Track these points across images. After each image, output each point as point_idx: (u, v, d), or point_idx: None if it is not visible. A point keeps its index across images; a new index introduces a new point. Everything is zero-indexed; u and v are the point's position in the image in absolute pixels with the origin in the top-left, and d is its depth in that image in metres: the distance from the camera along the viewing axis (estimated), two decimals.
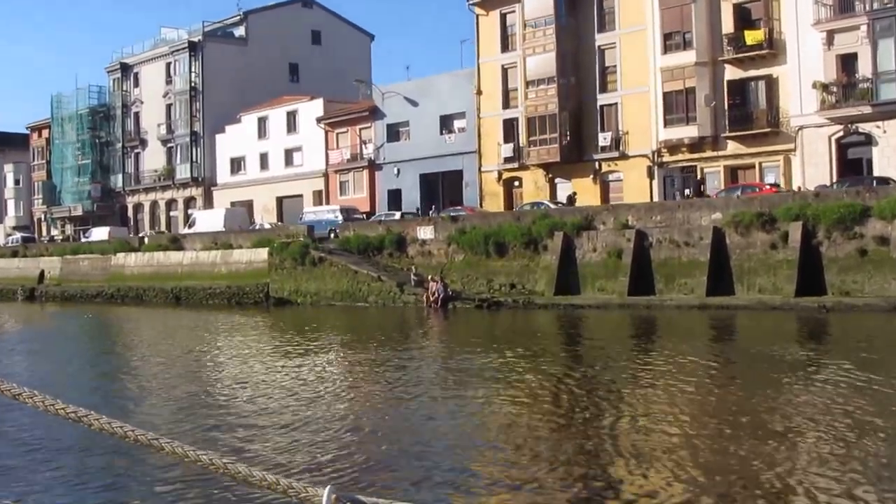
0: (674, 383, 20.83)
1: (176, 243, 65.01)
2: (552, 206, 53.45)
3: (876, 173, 46.06)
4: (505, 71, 61.43)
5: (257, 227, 68.80)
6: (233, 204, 77.18)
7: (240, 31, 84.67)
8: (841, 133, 48.04)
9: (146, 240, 69.49)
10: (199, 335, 38.45)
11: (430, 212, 59.27)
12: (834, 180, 46.91)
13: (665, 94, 53.65)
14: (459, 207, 58.17)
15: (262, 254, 57.25)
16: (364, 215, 64.18)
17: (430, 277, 48.00)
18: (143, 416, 18.87)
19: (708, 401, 19.07)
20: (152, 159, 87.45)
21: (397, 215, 60.47)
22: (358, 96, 74.70)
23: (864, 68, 46.77)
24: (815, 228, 38.49)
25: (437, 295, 46.77)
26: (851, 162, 48.41)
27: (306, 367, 26.27)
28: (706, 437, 15.25)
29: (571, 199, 54.33)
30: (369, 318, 46.07)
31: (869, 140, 47.42)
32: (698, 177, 52.84)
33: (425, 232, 51.52)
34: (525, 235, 46.75)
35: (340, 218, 61.15)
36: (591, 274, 44.46)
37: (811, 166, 48.80)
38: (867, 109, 46.33)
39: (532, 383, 21.86)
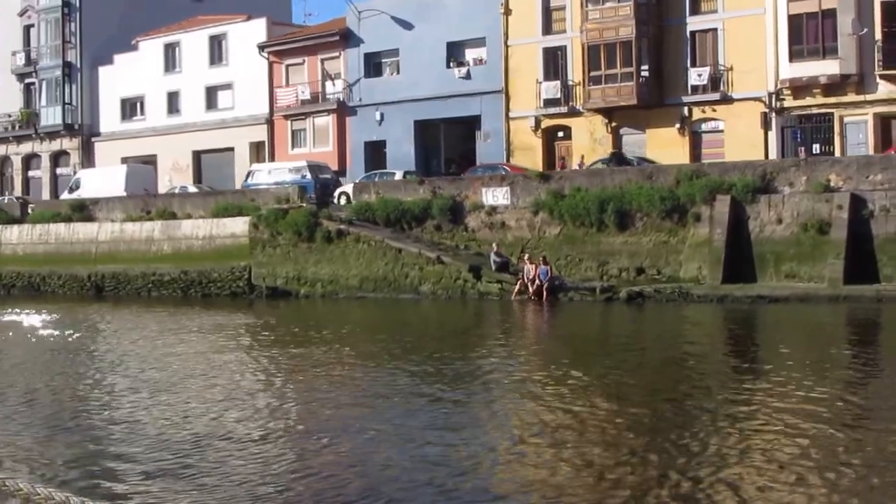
0: None
1: (83, 212, 55.03)
2: (639, 163, 47.00)
3: None
4: None
5: (177, 190, 59.41)
6: (124, 160, 67.07)
7: None
8: None
9: (31, 207, 59.10)
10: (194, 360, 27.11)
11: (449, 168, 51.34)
12: None
13: (792, 18, 47.43)
14: (502, 165, 50.67)
15: (232, 226, 48.55)
16: (333, 175, 55.99)
17: (526, 258, 40.46)
18: None
19: None
20: (3, 100, 75.77)
21: (398, 174, 52.69)
22: (301, 19, 66.06)
23: None
24: None
25: (537, 282, 39.29)
26: None
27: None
28: None
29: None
30: (431, 316, 38.41)
31: None
32: (837, 125, 46.96)
33: (496, 195, 43.91)
34: (667, 201, 39.74)
35: (310, 178, 52.71)
36: (774, 254, 37.87)
37: None
38: None
39: None
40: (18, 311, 40.79)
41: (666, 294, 37.48)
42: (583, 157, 50.87)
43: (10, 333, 33.72)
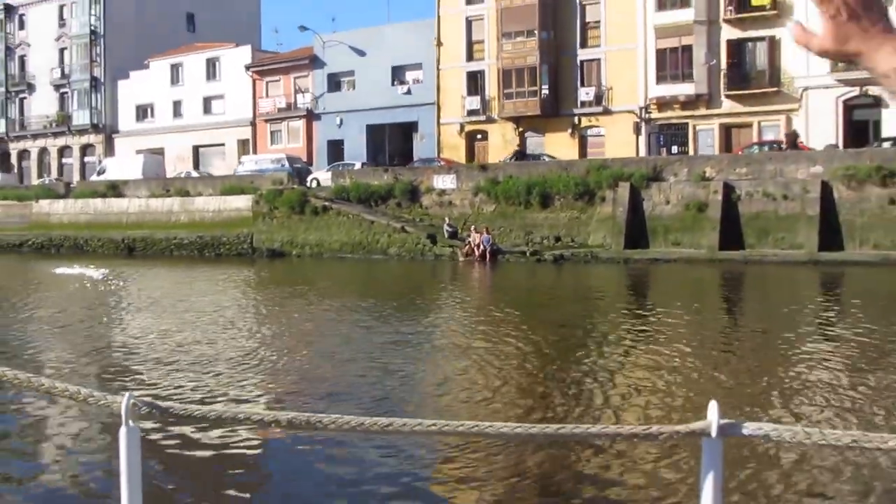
0: None
1: (115, 190, 50.66)
2: (547, 158, 44.56)
3: (884, 135, 39.90)
4: (469, 23, 51.11)
5: (182, 175, 55.28)
6: (138, 152, 62.43)
7: None
8: (853, 94, 41.30)
9: (73, 186, 54.33)
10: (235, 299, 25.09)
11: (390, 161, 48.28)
12: (841, 141, 40.62)
13: (659, 52, 45.40)
14: (436, 159, 47.91)
15: (237, 202, 44.83)
16: (304, 165, 52.55)
17: (472, 228, 37.82)
18: None
19: None
20: (42, 105, 69.84)
21: (357, 165, 49.49)
22: (269, 44, 61.92)
23: None
24: None
25: (482, 247, 36.69)
26: (856, 123, 41.99)
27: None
28: None
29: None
30: (397, 271, 35.59)
31: (878, 102, 40.86)
32: (691, 132, 45.17)
33: (445, 181, 41.03)
34: (579, 186, 37.36)
35: (287, 167, 49.30)
36: (664, 227, 35.82)
37: (816, 127, 41.92)
38: None
39: None
40: (76, 266, 36.59)
41: (581, 257, 35.28)
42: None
43: (86, 283, 29.95)
